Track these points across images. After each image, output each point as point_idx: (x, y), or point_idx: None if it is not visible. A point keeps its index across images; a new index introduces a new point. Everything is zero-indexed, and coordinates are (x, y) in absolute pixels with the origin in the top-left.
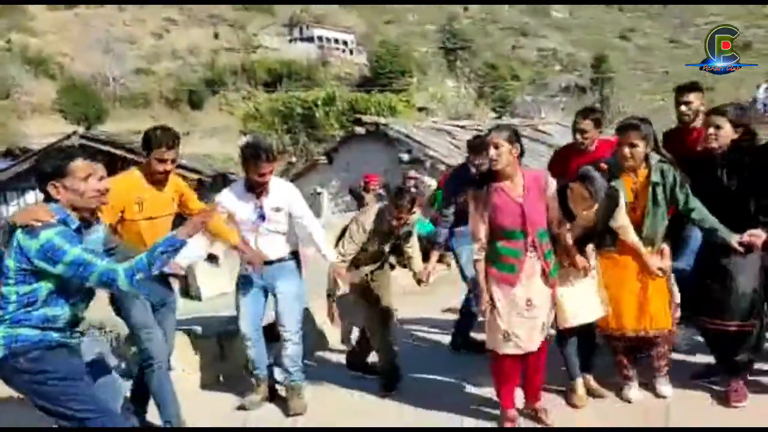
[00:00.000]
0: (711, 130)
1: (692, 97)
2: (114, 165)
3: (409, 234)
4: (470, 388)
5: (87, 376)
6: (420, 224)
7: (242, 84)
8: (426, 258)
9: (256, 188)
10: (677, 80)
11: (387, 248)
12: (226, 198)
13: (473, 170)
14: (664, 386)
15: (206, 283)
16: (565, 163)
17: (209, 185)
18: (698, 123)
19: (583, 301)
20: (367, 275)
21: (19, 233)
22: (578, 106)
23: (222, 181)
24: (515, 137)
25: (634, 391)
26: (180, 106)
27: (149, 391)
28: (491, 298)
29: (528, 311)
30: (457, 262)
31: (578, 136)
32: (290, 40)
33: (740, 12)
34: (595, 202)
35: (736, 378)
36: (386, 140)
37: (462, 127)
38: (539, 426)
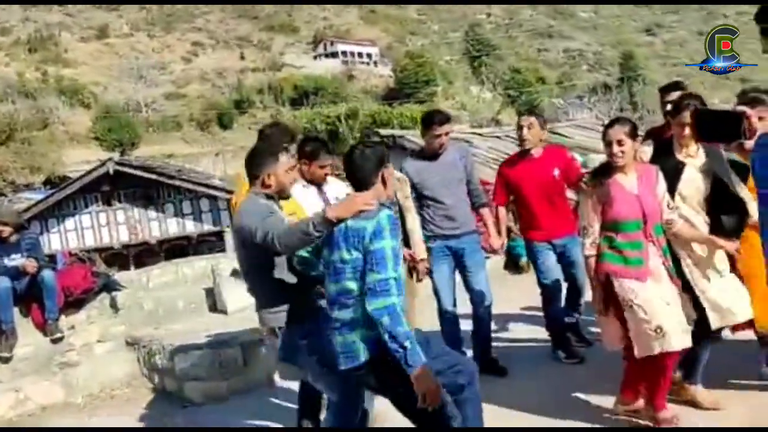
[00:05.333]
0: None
1: (676, 96)
2: (149, 188)
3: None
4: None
5: None
6: None
7: (269, 102)
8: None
9: (316, 181)
10: (704, 74)
11: None
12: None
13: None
14: None
15: (231, 298)
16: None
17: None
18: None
19: (727, 297)
20: None
21: (349, 222)
22: (607, 105)
23: None
24: (635, 131)
25: None
26: (210, 127)
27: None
28: (624, 299)
29: (668, 303)
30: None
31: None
32: (315, 57)
33: None
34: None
35: None
36: (404, 152)
37: (480, 134)
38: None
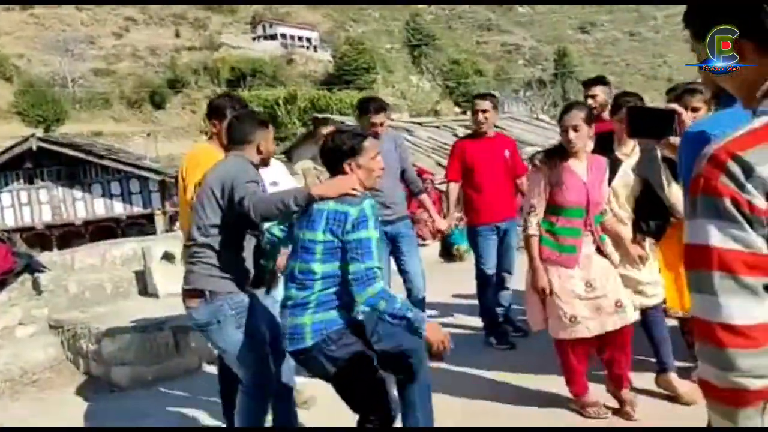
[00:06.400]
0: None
1: (598, 90)
2: (74, 167)
3: None
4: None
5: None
6: None
7: (205, 83)
8: None
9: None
10: (636, 72)
11: None
12: None
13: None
14: None
15: (162, 281)
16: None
17: (173, 186)
18: (606, 114)
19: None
20: None
21: (332, 204)
22: (541, 100)
23: None
24: (591, 117)
25: None
26: (142, 105)
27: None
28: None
29: (589, 292)
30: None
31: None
32: (253, 38)
33: None
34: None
35: None
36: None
37: (420, 123)
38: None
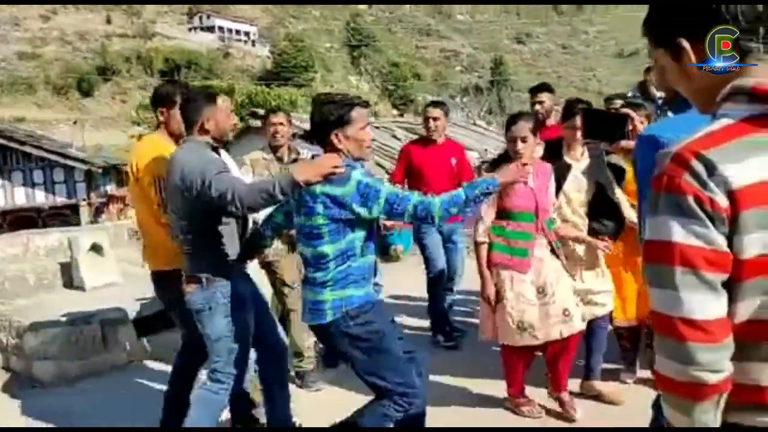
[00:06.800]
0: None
1: (544, 96)
2: None
3: None
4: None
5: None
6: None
7: (137, 72)
8: None
9: None
10: (569, 84)
11: None
12: None
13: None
14: None
15: (90, 274)
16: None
17: (100, 176)
18: (552, 120)
19: (600, 291)
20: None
21: (320, 188)
22: (478, 106)
23: (115, 172)
24: (537, 126)
25: (630, 376)
26: (69, 92)
27: None
28: (498, 289)
29: (540, 298)
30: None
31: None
32: (189, 29)
33: (625, 23)
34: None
35: None
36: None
37: None
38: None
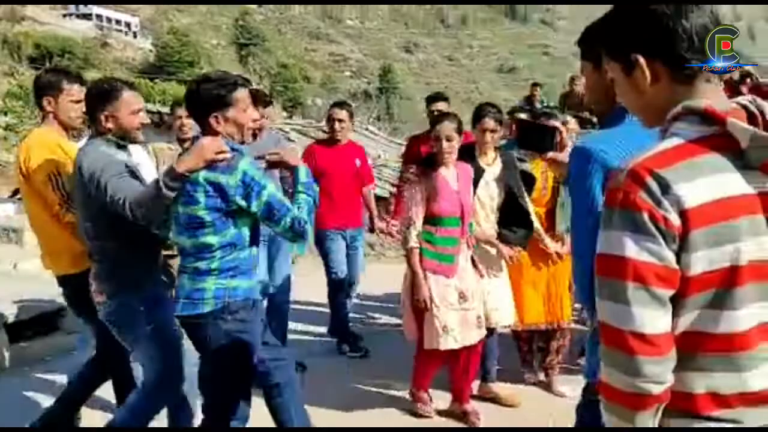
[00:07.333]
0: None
1: (441, 105)
2: None
3: None
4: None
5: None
6: None
7: (3, 58)
8: None
9: None
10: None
11: None
12: None
13: None
14: (562, 385)
15: None
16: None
17: None
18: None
19: (503, 300)
20: None
21: (204, 174)
22: (367, 113)
23: None
24: (461, 127)
25: (532, 375)
26: None
27: None
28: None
29: (461, 303)
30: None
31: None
32: (64, 15)
33: (505, 39)
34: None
35: None
36: (169, 129)
37: None
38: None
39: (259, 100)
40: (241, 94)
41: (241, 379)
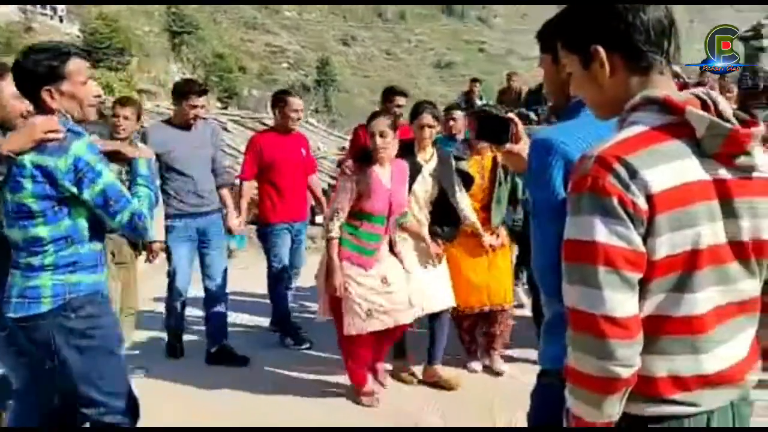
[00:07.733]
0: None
1: (399, 100)
2: None
3: None
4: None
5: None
6: None
7: None
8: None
9: None
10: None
11: None
12: None
13: None
14: (500, 364)
15: None
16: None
17: None
18: (403, 121)
19: (439, 287)
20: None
21: (31, 156)
22: (305, 105)
23: None
24: (396, 124)
25: (477, 363)
26: None
27: None
28: (345, 282)
29: (385, 287)
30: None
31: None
32: None
33: (442, 35)
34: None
35: None
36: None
37: None
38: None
39: (194, 89)
40: (77, 65)
41: (112, 373)
